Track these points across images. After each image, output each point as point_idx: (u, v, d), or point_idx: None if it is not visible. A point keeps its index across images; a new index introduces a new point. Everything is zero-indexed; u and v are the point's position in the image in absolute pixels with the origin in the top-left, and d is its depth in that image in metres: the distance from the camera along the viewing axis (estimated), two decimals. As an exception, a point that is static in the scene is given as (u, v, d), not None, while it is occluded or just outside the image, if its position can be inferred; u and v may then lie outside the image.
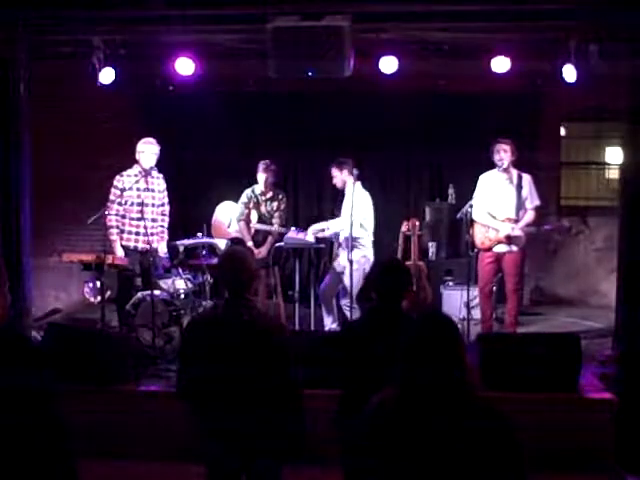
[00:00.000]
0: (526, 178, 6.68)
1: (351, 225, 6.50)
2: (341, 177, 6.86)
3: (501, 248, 6.65)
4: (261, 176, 7.12)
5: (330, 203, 8.75)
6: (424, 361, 2.36)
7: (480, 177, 6.79)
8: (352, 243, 6.57)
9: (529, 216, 6.65)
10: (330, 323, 6.95)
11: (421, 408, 2.33)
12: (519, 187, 6.63)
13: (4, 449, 2.53)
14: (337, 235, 6.95)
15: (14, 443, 2.54)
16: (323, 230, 7.02)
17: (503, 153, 6.56)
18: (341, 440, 3.48)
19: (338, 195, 7.32)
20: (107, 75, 6.65)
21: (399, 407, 2.36)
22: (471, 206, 6.65)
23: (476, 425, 2.31)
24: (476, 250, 6.76)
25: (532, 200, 6.68)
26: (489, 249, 6.68)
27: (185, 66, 6.66)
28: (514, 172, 6.67)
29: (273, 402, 3.32)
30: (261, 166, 7.13)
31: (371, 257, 6.80)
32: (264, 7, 6.02)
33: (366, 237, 6.82)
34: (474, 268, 6.88)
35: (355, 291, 6.45)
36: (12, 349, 2.65)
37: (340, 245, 6.95)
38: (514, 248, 6.64)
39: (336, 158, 6.95)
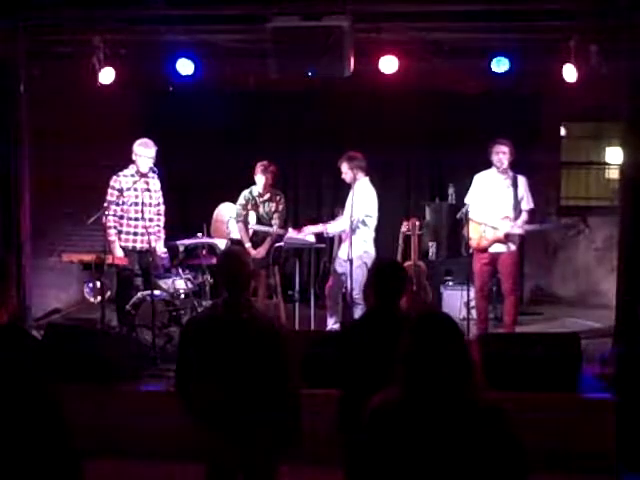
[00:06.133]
0: (521, 180, 6.70)
1: (351, 223, 6.50)
2: (351, 173, 6.71)
3: (498, 248, 6.65)
4: (260, 178, 7.08)
5: (330, 203, 8.76)
6: (426, 363, 2.34)
7: (475, 177, 6.81)
8: (353, 239, 6.57)
9: (524, 217, 6.68)
10: (332, 323, 6.94)
11: (424, 410, 2.32)
12: (515, 188, 6.65)
13: (8, 446, 2.54)
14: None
15: (18, 439, 2.54)
16: (321, 233, 7.02)
17: (502, 155, 6.58)
18: (341, 440, 3.48)
19: (339, 194, 7.30)
20: (107, 75, 6.65)
21: (401, 409, 2.35)
22: (469, 206, 6.65)
23: (478, 427, 2.31)
24: (471, 251, 6.76)
25: (528, 202, 6.71)
26: (485, 249, 6.68)
27: (185, 66, 6.66)
28: (510, 173, 6.68)
29: (271, 400, 3.33)
30: (259, 168, 7.06)
31: (372, 252, 6.78)
32: (264, 7, 6.02)
33: (368, 233, 6.80)
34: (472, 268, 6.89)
35: (357, 285, 6.45)
36: (17, 346, 2.66)
37: (340, 242, 6.95)
38: (512, 247, 6.65)
39: (348, 152, 6.78)
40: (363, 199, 6.64)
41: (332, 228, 6.96)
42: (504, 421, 2.35)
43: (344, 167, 6.76)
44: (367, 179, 6.76)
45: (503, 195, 6.67)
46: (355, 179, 6.68)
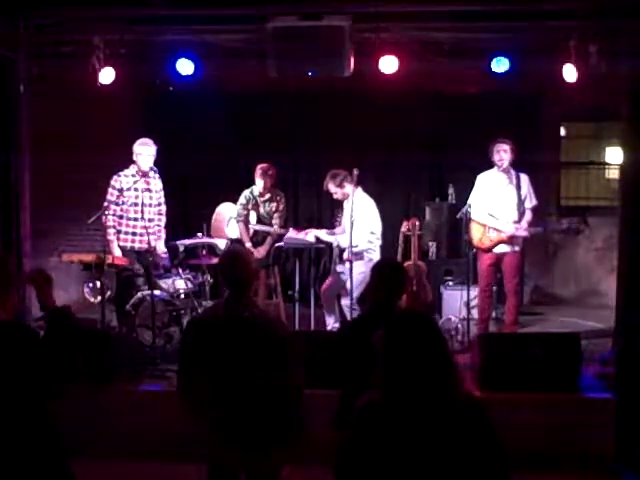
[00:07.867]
0: (524, 178, 6.71)
1: (350, 234, 6.45)
2: (342, 191, 6.70)
3: (502, 248, 6.66)
4: (259, 181, 7.09)
5: (330, 204, 8.74)
6: (401, 363, 2.36)
7: (478, 177, 6.81)
8: (362, 251, 6.56)
9: (528, 216, 6.68)
10: (332, 323, 6.93)
11: (404, 408, 2.34)
12: (518, 187, 6.66)
13: (6, 442, 2.55)
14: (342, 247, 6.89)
15: (15, 437, 2.55)
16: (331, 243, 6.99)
17: (503, 153, 6.58)
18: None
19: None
20: (107, 75, 6.64)
21: (384, 408, 2.37)
22: (470, 206, 6.65)
23: (457, 422, 2.33)
24: (475, 250, 6.77)
25: (531, 200, 6.72)
26: (489, 250, 6.68)
27: (185, 66, 6.66)
28: (512, 172, 6.69)
29: (274, 401, 3.33)
30: (258, 171, 7.04)
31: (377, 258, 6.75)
32: (264, 7, 6.02)
33: (376, 242, 6.79)
34: (474, 268, 6.88)
35: (357, 289, 6.44)
36: (18, 342, 2.67)
37: (342, 251, 6.91)
38: (517, 248, 6.67)
39: (330, 171, 6.79)
40: (364, 212, 6.60)
41: (342, 240, 6.83)
42: (482, 415, 2.37)
43: (331, 187, 6.75)
44: (360, 190, 6.71)
45: (506, 195, 6.67)
46: (348, 194, 6.64)
